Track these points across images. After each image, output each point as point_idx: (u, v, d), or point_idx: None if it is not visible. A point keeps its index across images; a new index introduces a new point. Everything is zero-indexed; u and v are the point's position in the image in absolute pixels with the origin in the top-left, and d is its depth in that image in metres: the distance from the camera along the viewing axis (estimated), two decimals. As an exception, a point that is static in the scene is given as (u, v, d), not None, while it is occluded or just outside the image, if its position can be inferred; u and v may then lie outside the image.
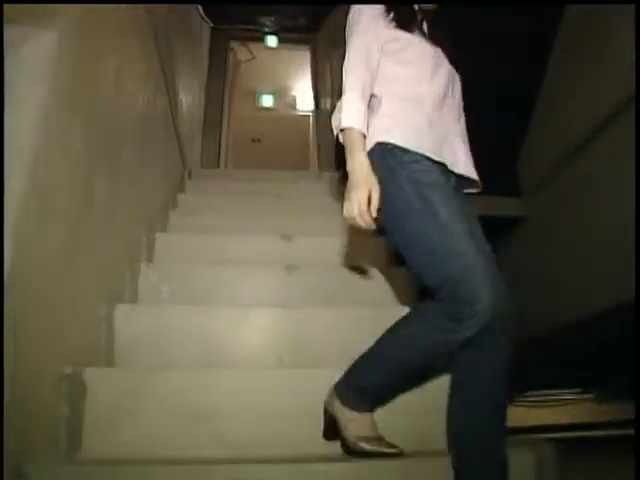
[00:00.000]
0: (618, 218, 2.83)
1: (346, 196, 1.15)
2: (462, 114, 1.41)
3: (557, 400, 6.54)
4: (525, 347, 3.57)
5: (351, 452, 1.26)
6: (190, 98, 3.86)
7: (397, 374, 1.27)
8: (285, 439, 1.37)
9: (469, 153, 1.34)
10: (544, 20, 3.44)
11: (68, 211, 1.34)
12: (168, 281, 2.00)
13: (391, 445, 1.24)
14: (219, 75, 5.53)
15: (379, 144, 1.21)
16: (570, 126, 3.40)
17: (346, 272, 2.11)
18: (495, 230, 1.90)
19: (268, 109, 7.78)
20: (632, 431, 6.74)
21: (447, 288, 1.09)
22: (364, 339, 1.65)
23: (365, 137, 1.19)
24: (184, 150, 3.46)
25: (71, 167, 1.35)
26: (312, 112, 6.11)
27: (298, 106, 7.78)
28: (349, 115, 1.17)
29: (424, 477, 1.24)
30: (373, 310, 1.79)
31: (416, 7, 1.37)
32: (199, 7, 4.92)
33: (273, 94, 7.79)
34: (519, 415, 5.60)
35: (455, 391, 1.20)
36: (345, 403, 1.29)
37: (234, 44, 6.05)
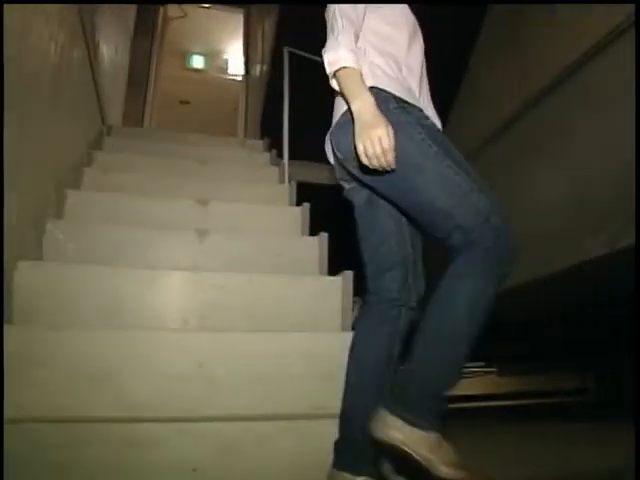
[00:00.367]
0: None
1: (360, 138, 1.08)
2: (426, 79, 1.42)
3: (466, 373, 7.01)
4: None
5: None
6: (113, 51, 3.67)
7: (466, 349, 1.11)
8: (183, 401, 1.40)
9: (436, 114, 1.36)
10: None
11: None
12: (75, 240, 1.94)
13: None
14: (146, 30, 5.30)
15: (372, 88, 1.17)
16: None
17: (259, 239, 2.14)
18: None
19: (198, 70, 7.52)
20: (525, 401, 7.41)
21: (483, 221, 1.09)
22: (270, 306, 1.71)
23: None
24: (104, 106, 3.30)
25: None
26: (243, 77, 5.96)
27: (230, 70, 7.56)
28: (345, 55, 1.12)
29: (317, 439, 1.30)
30: (283, 277, 1.82)
31: None
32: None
33: (204, 55, 7.54)
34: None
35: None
36: (414, 423, 1.06)
37: (164, -2, 5.82)
